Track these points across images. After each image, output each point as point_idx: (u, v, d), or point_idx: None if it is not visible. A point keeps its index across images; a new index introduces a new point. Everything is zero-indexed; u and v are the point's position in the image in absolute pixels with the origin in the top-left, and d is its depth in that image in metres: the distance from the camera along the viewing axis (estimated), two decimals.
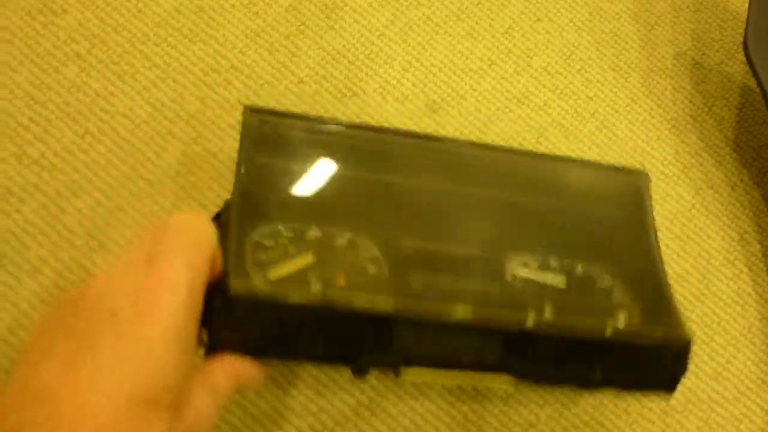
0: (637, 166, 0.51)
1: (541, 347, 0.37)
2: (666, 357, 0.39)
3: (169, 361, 0.26)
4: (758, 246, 0.51)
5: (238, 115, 0.45)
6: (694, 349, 0.47)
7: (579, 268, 0.40)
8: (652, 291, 0.40)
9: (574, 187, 0.41)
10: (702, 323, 0.47)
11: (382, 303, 0.34)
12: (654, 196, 0.50)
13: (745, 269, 0.50)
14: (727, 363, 0.47)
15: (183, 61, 0.46)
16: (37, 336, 0.27)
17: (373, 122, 0.47)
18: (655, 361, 0.39)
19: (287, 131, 0.36)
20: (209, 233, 0.29)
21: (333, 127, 0.37)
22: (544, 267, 0.40)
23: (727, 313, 0.48)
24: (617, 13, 0.56)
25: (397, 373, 0.38)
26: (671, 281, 0.48)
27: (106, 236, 0.41)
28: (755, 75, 0.49)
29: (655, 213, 0.43)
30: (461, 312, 0.35)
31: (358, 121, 0.47)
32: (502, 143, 0.49)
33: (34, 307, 0.39)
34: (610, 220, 0.42)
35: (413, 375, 0.37)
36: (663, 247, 0.48)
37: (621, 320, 0.38)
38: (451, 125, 0.49)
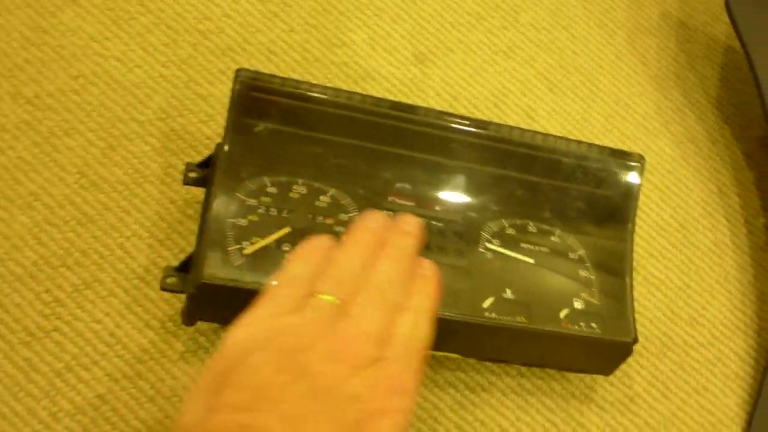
0: (632, 144, 0.52)
1: (491, 335, 0.38)
2: (609, 351, 0.41)
3: None
4: (736, 198, 0.52)
5: (228, 62, 0.47)
6: (671, 295, 0.48)
7: (552, 243, 0.42)
8: (614, 281, 0.41)
9: (565, 165, 0.42)
10: (679, 271, 0.48)
11: None
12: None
13: (723, 220, 0.51)
14: (702, 309, 0.48)
15: (177, 8, 0.47)
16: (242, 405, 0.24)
17: (362, 71, 0.48)
18: (597, 353, 0.41)
19: (276, 95, 0.38)
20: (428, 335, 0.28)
21: (322, 93, 0.38)
22: (517, 239, 0.41)
23: (704, 262, 0.49)
24: None
25: None
26: (650, 230, 0.50)
27: (98, 174, 0.42)
28: (737, 33, 0.50)
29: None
30: None
31: (347, 83, 0.48)
32: (487, 94, 0.50)
33: (25, 240, 0.40)
34: (595, 201, 0.43)
35: None
36: (643, 197, 0.49)
37: (577, 306, 0.40)
38: (438, 76, 0.50)
